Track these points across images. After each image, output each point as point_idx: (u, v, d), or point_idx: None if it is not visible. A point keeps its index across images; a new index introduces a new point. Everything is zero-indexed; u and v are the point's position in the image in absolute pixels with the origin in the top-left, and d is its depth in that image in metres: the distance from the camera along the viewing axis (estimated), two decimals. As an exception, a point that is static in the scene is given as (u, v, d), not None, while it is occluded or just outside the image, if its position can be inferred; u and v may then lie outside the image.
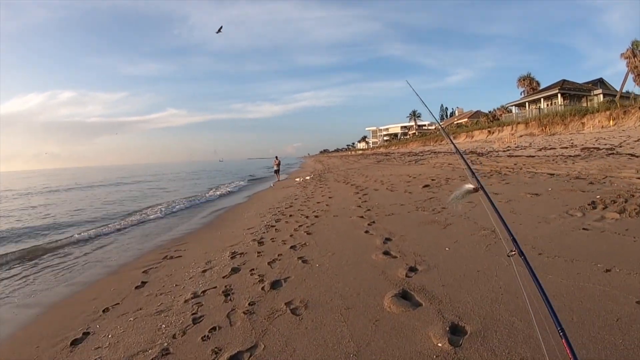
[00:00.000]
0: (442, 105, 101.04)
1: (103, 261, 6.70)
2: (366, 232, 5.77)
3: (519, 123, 35.81)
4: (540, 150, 18.74)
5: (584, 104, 35.22)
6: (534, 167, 11.47)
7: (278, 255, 5.06)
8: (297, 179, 15.30)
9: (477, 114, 62.88)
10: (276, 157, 22.63)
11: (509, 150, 22.50)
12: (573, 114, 26.88)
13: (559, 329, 1.19)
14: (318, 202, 9.67)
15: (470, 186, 1.72)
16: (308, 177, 16.50)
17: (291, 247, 5.36)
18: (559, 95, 39.15)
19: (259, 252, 5.40)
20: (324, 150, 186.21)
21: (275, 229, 6.92)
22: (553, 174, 9.61)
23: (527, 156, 15.91)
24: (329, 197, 10.33)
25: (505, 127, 37.86)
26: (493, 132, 39.66)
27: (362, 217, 6.93)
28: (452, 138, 2.95)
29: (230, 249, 5.87)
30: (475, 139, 41.16)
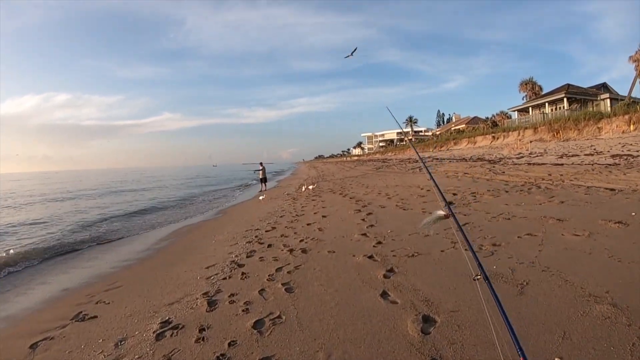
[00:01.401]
0: (439, 111, 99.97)
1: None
2: (384, 295, 3.48)
3: (526, 128, 33.95)
4: (561, 157, 16.65)
5: (590, 109, 33.46)
6: (577, 179, 9.30)
7: (229, 343, 2.80)
8: (288, 192, 12.89)
9: (474, 120, 61.95)
10: (260, 164, 20.23)
11: (522, 157, 20.43)
12: (587, 119, 24.93)
13: (518, 351, 1.22)
14: (308, 224, 7.39)
15: (441, 212, 1.75)
16: (311, 187, 14.13)
17: (254, 326, 3.09)
18: (565, 99, 37.42)
19: (200, 330, 3.14)
20: (319, 156, 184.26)
21: (242, 274, 4.64)
22: (614, 189, 7.43)
23: (553, 164, 13.79)
24: (323, 217, 8.05)
25: (511, 132, 36.03)
26: (498, 138, 37.80)
27: (371, 257, 4.64)
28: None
29: (166, 312, 3.63)
30: (479, 145, 39.30)
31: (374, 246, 5.10)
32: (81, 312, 3.99)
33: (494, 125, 46.07)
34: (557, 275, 3.47)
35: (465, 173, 13.89)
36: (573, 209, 6.08)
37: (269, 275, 4.40)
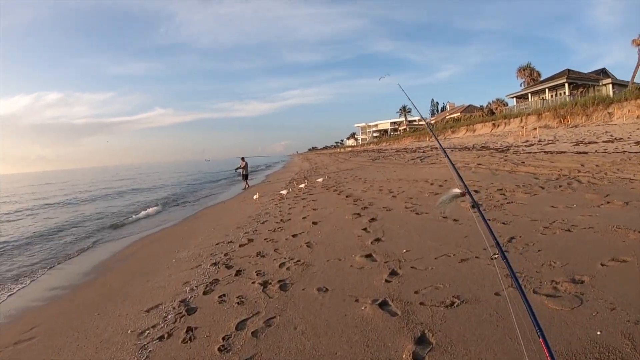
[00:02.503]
0: (432, 99, 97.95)
1: None
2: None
3: (529, 114, 32.50)
4: (576, 144, 15.13)
5: (591, 94, 32.10)
6: (620, 170, 7.72)
7: None
8: (283, 191, 11.18)
9: (469, 108, 60.66)
10: (242, 159, 18.22)
11: (531, 145, 18.89)
12: (596, 104, 23.46)
13: (537, 328, 1.18)
14: (294, 235, 5.74)
15: (457, 191, 1.71)
16: (302, 185, 12.39)
17: None
18: (566, 85, 35.96)
19: None
20: (313, 148, 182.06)
21: (188, 330, 3.04)
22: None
23: (575, 153, 12.20)
24: (313, 224, 6.40)
25: (512, 119, 34.59)
26: (498, 125, 36.40)
27: (384, 305, 3.00)
28: (437, 135, 2.63)
29: None
30: (479, 133, 37.83)
31: (386, 280, 3.45)
32: None
33: (491, 113, 44.94)
34: None
35: (478, 164, 12.28)
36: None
37: (223, 338, 2.77)
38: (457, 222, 5.28)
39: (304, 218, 7.04)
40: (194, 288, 4.05)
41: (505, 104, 46.56)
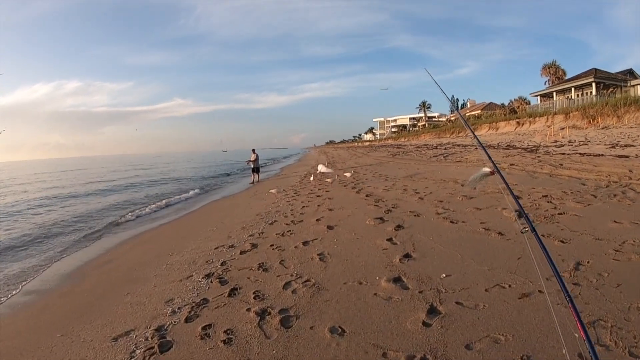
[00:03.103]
0: (452, 96, 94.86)
1: None
2: None
3: (555, 113, 30.75)
4: (612, 147, 13.73)
5: (618, 95, 30.27)
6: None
7: None
8: (290, 184, 10.36)
9: (490, 106, 59.36)
10: (253, 151, 17.07)
11: (562, 145, 17.49)
12: (628, 104, 21.85)
13: (566, 295, 1.20)
14: (305, 243, 4.87)
15: (487, 169, 1.77)
16: (348, 174, 11.61)
17: None
18: (594, 84, 33.91)
19: None
20: (330, 141, 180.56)
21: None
22: None
23: (617, 156, 10.89)
24: (328, 228, 5.51)
25: (537, 118, 32.83)
26: (523, 124, 34.71)
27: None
28: (473, 130, 2.64)
29: None
30: (502, 132, 36.19)
31: (424, 323, 2.54)
32: None
33: (513, 112, 43.56)
34: None
35: (511, 164, 11.12)
36: None
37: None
38: (502, 236, 4.31)
39: (317, 220, 6.15)
40: (177, 310, 3.24)
41: (528, 103, 45.02)
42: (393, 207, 6.48)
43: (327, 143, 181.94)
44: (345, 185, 10.41)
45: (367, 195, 8.05)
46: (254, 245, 5.07)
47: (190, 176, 26.32)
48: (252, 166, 16.79)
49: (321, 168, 11.02)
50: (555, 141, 20.96)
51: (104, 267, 5.59)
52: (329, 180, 11.67)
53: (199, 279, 4.03)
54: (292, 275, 3.72)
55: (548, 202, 5.88)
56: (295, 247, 4.73)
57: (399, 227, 5.12)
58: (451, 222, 5.17)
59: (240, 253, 4.79)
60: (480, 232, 4.56)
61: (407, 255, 3.94)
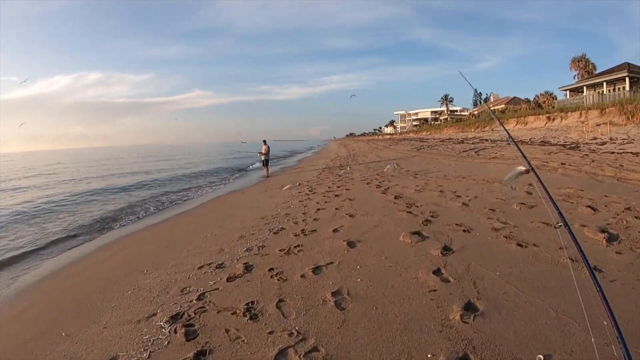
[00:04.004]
0: (475, 90, 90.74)
1: None
2: None
3: (589, 109, 28.37)
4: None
5: None
6: None
7: None
8: (306, 179, 9.04)
9: (514, 100, 56.87)
10: (264, 142, 15.73)
11: (604, 143, 15.53)
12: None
13: (596, 284, 1.25)
14: (315, 270, 3.53)
15: (522, 168, 1.79)
16: (389, 168, 10.39)
17: None
18: (627, 79, 31.11)
19: None
20: (350, 134, 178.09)
21: None
22: None
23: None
24: (348, 245, 4.13)
25: (570, 113, 30.39)
26: (554, 119, 32.27)
27: None
28: (504, 125, 2.78)
29: None
30: (531, 127, 33.83)
31: None
32: None
33: (538, 106, 41.17)
34: None
35: (562, 163, 9.42)
36: None
37: None
38: (601, 273, 2.88)
39: (334, 231, 4.79)
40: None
41: (555, 97, 42.31)
42: (432, 216, 5.05)
43: (347, 135, 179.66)
44: (368, 183, 8.99)
45: (396, 198, 6.62)
46: (247, 268, 3.77)
47: (205, 169, 25.32)
48: (262, 159, 15.52)
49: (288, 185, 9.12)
50: (594, 138, 18.99)
51: (60, 286, 4.41)
52: (388, 167, 10.26)
53: (162, 323, 2.78)
54: (290, 335, 2.39)
55: (635, 217, 4.36)
56: (302, 275, 3.39)
57: (446, 250, 3.70)
58: (518, 244, 3.71)
59: (228, 280, 3.50)
60: (565, 264, 3.11)
61: (469, 307, 2.55)
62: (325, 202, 7.00)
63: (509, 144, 19.31)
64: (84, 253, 5.97)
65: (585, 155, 11.50)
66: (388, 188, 7.88)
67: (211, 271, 3.86)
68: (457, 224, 4.56)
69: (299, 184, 10.14)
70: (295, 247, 4.30)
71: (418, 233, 4.27)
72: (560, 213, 1.56)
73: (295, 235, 4.80)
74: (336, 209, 6.23)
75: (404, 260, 3.54)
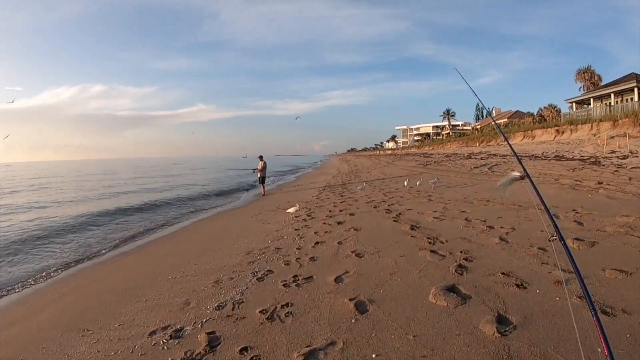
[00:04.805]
0: (477, 104, 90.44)
1: None
2: None
3: (600, 121, 27.45)
4: None
5: None
6: None
7: None
8: (304, 199, 7.84)
9: (517, 114, 57.14)
10: (260, 158, 14.42)
11: (625, 157, 14.38)
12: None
13: (591, 307, 1.21)
14: (308, 354, 2.30)
15: (517, 174, 1.77)
16: (419, 183, 9.33)
17: None
18: (636, 89, 30.21)
19: None
20: (352, 149, 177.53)
21: None
22: None
23: None
24: (356, 310, 2.93)
25: (580, 125, 29.43)
26: (563, 132, 31.35)
27: None
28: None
29: None
30: (540, 140, 32.89)
31: None
32: None
33: (542, 119, 41.54)
34: None
35: (599, 182, 8.19)
36: None
37: None
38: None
39: (337, 280, 3.59)
40: None
41: (559, 110, 42.13)
42: (466, 259, 3.83)
43: (348, 151, 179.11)
44: (375, 207, 7.79)
45: (412, 228, 5.40)
46: (211, 343, 2.62)
47: (199, 185, 24.07)
48: (258, 175, 14.32)
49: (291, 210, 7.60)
50: (612, 151, 17.87)
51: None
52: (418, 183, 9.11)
53: None
54: None
55: None
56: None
57: (502, 322, 2.48)
58: (603, 311, 2.51)
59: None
60: None
61: None
62: (326, 232, 5.80)
63: (520, 159, 18.19)
64: (24, 296, 4.74)
65: (615, 171, 10.34)
66: (400, 214, 6.68)
67: (163, 342, 2.69)
68: (503, 274, 3.35)
69: (297, 204, 8.97)
70: (282, 307, 3.10)
71: (453, 289, 3.07)
72: (555, 225, 1.48)
73: (284, 286, 3.59)
74: (339, 242, 5.03)
75: (443, 342, 2.33)
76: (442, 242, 4.51)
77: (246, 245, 5.59)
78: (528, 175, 1.72)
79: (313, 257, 4.48)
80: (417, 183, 10.91)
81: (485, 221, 5.46)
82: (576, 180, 8.84)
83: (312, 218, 7.16)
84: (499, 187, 1.82)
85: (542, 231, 4.69)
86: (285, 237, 5.80)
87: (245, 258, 4.80)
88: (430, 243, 4.50)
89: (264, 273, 4.07)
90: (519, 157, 1.91)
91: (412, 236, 4.95)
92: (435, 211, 6.57)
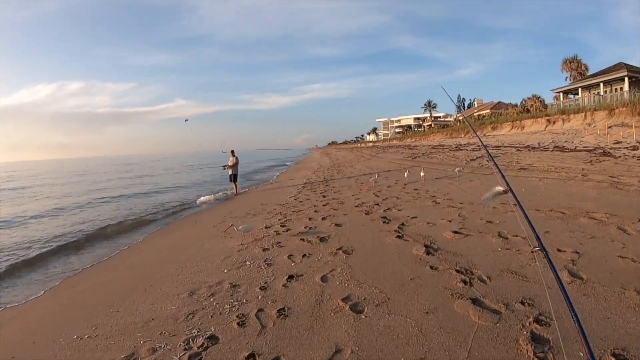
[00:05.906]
0: (459, 95, 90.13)
1: None
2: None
3: (595, 110, 26.73)
4: None
5: None
6: None
7: None
8: (281, 202, 6.24)
9: (499, 105, 56.93)
10: (232, 153, 12.75)
11: (636, 148, 13.31)
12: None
13: (573, 315, 1.18)
14: None
15: (500, 188, 1.72)
16: (423, 174, 7.72)
17: None
18: (626, 79, 29.78)
19: None
20: (332, 142, 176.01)
21: None
22: None
23: None
24: None
25: (573, 115, 28.69)
26: (554, 122, 30.52)
27: None
28: (476, 131, 5.96)
29: None
30: (529, 130, 32.03)
31: None
32: None
33: (526, 111, 40.81)
34: None
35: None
36: None
37: None
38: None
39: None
40: None
41: (542, 101, 41.60)
42: (536, 320, 2.27)
43: (329, 144, 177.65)
44: (368, 213, 6.16)
45: (428, 252, 3.79)
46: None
47: (172, 184, 21.92)
48: (229, 173, 12.52)
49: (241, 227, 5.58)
50: (617, 142, 16.89)
51: None
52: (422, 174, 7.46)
53: None
54: None
55: None
56: None
57: None
58: None
59: None
60: None
61: None
62: (304, 255, 4.15)
63: (522, 149, 16.94)
64: None
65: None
66: (403, 224, 5.07)
67: None
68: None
69: (268, 213, 7.27)
70: None
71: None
72: (538, 237, 1.42)
73: None
74: (322, 278, 3.39)
75: None
76: (484, 281, 2.93)
77: (193, 276, 3.91)
78: (511, 190, 1.65)
79: (283, 308, 2.84)
80: (422, 175, 9.45)
81: (526, 239, 3.92)
82: (611, 176, 7.44)
83: (287, 230, 5.51)
84: (484, 202, 1.79)
85: (623, 257, 3.19)
86: (248, 262, 4.14)
87: (186, 304, 3.14)
88: (465, 283, 2.91)
89: (202, 344, 2.42)
90: (500, 170, 1.89)
91: (431, 267, 3.35)
92: (450, 221, 5.00)
